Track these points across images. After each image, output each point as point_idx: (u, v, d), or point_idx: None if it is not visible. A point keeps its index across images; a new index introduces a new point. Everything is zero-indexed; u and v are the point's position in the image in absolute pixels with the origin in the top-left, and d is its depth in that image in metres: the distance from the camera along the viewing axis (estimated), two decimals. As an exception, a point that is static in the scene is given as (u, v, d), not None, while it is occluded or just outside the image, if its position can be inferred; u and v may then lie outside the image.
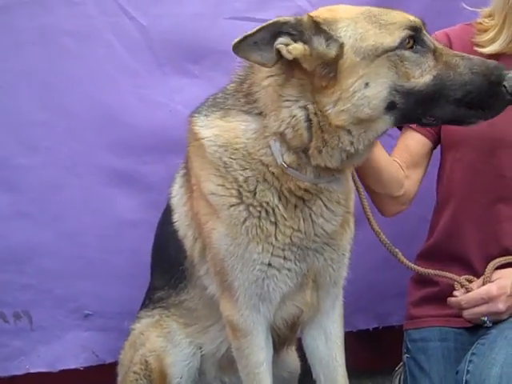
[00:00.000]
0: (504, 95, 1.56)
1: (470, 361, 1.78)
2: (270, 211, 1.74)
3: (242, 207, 1.75)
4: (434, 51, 1.59)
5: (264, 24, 1.54)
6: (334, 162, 1.66)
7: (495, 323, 1.89)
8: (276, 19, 1.56)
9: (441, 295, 2.02)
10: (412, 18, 1.61)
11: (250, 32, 1.54)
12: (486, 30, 2.07)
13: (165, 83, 2.66)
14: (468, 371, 1.75)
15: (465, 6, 2.22)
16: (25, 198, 2.64)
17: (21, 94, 2.59)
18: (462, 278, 1.97)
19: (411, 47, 1.57)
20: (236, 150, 1.72)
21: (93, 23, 2.58)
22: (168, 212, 2.06)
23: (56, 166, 2.63)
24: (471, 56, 1.61)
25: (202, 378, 2.16)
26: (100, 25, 2.59)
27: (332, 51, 1.56)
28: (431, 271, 2.01)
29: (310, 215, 1.75)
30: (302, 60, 1.57)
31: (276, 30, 1.55)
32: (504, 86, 1.55)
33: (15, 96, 2.60)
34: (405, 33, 1.55)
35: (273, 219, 1.74)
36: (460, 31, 2.17)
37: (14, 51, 2.58)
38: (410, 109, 1.58)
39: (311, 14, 1.63)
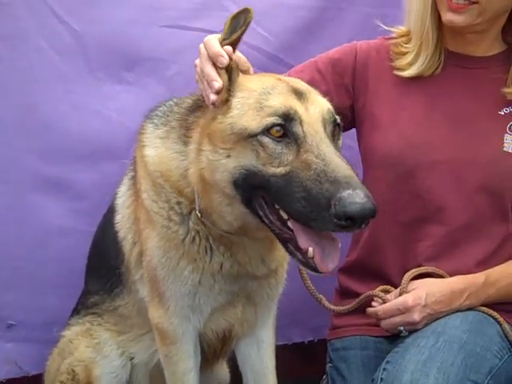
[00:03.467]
0: (329, 217, 1.51)
1: (384, 369, 1.94)
2: (197, 240, 1.89)
3: (169, 231, 1.90)
4: (300, 146, 1.62)
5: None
6: (223, 226, 1.83)
7: (411, 332, 2.06)
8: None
9: (362, 305, 2.18)
10: (292, 105, 1.67)
11: None
12: (403, 54, 2.22)
13: (98, 89, 2.77)
14: (382, 379, 1.91)
15: (380, 24, 2.37)
16: None
17: None
18: (378, 290, 2.15)
19: (281, 135, 1.64)
20: (169, 180, 1.88)
21: (23, 26, 2.64)
22: (111, 213, 2.17)
23: (-18, 171, 2.68)
24: (333, 159, 1.59)
25: (130, 390, 2.26)
26: (31, 28, 2.66)
27: (222, 114, 1.72)
28: (350, 306, 2.18)
29: (236, 258, 1.91)
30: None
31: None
32: (333, 204, 1.50)
33: None
34: (268, 121, 1.64)
35: (197, 249, 1.89)
36: (379, 45, 2.33)
37: None
38: (255, 189, 1.67)
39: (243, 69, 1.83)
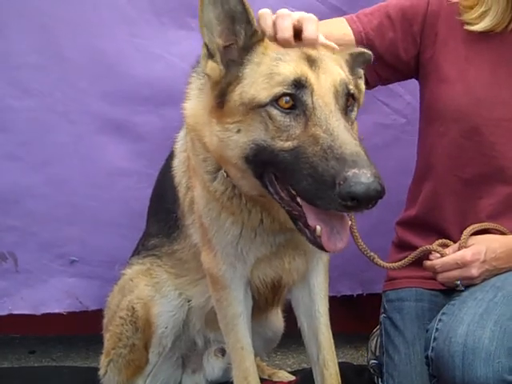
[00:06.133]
0: (334, 197, 1.45)
1: (439, 320, 1.97)
2: (230, 197, 1.87)
3: (207, 184, 1.90)
4: (308, 119, 1.57)
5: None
6: (242, 189, 1.82)
7: (468, 287, 2.08)
8: (247, 5, 1.63)
9: (417, 259, 2.18)
10: (304, 72, 1.60)
11: None
12: (471, 7, 2.16)
13: (162, 34, 2.81)
14: (437, 329, 1.94)
15: None
16: (15, 140, 2.80)
17: (14, 34, 2.73)
18: (435, 244, 2.16)
19: (289, 107, 1.58)
20: (198, 135, 1.84)
21: (91, -30, 2.70)
22: (170, 157, 2.20)
23: (48, 110, 2.79)
24: (342, 135, 1.52)
25: (185, 330, 2.34)
26: (99, -30, 2.71)
27: (233, 87, 1.65)
28: (403, 262, 2.17)
29: (274, 216, 1.89)
30: (212, 80, 1.70)
31: (234, 11, 1.63)
32: (338, 183, 1.44)
33: (8, 36, 2.73)
34: (277, 90, 1.58)
35: (232, 205, 1.88)
36: None
37: (10, -10, 2.69)
38: (265, 164, 1.62)
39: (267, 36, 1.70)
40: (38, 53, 2.73)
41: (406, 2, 2.27)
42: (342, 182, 1.43)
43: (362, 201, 1.44)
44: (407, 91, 2.85)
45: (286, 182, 1.61)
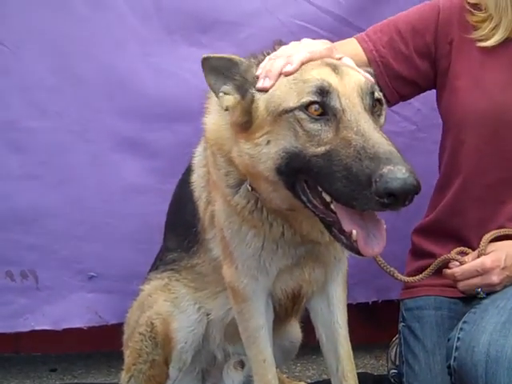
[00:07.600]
0: (371, 196, 1.42)
1: (461, 328, 1.91)
2: (246, 213, 1.84)
3: (228, 198, 1.86)
4: (339, 122, 1.54)
5: (224, 55, 1.68)
6: (272, 205, 1.77)
7: (489, 294, 2.01)
8: (231, 57, 1.68)
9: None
10: (326, 77, 1.60)
11: (213, 55, 1.68)
12: (483, 21, 2.09)
13: (174, 51, 2.78)
14: (459, 338, 1.88)
15: None
16: (33, 160, 2.77)
17: (31, 56, 2.71)
18: (454, 252, 2.10)
19: (319, 114, 1.56)
20: (221, 149, 1.82)
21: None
22: (188, 172, 2.16)
23: (65, 129, 2.76)
24: (373, 135, 1.49)
25: (205, 344, 2.27)
26: (111, -8, 2.70)
27: (256, 104, 1.65)
28: (424, 274, 2.11)
29: (296, 229, 1.84)
30: (233, 110, 1.70)
31: (228, 68, 1.67)
32: (374, 181, 1.40)
33: (25, 58, 2.71)
34: (305, 99, 1.57)
35: (254, 218, 1.84)
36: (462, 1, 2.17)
37: (24, 12, 2.68)
38: (297, 172, 1.60)
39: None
40: (54, 74, 2.72)
41: (415, 15, 2.21)
42: (377, 179, 1.40)
43: (399, 196, 1.40)
44: (416, 98, 2.76)
45: (321, 187, 1.57)
